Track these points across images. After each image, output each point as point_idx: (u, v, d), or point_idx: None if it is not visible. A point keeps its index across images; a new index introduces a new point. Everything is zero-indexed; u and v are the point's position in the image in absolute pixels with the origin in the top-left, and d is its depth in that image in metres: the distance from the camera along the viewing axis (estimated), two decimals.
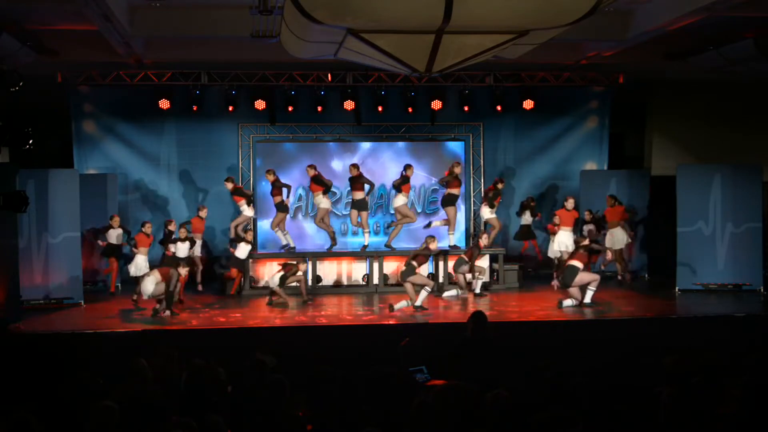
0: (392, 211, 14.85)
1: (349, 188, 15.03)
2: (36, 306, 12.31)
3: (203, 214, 14.06)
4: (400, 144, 15.64)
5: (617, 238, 14.27)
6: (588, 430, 4.78)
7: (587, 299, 11.97)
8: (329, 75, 14.94)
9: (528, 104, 15.48)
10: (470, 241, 15.28)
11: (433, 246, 12.51)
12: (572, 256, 12.15)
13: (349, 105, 15.09)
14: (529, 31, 6.45)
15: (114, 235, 13.63)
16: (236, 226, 14.07)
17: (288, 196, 14.23)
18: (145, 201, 15.56)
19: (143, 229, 12.99)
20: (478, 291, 13.13)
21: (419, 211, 15.42)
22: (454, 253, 13.85)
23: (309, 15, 5.81)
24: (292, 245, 14.24)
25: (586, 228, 14.28)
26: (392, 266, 14.07)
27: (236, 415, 5.37)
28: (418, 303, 11.78)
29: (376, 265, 13.97)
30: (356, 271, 14.13)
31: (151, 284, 11.46)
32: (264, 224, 15.00)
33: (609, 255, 14.30)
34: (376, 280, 13.95)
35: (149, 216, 15.08)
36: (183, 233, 13.24)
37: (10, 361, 9.08)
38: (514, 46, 7.05)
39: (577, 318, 11.44)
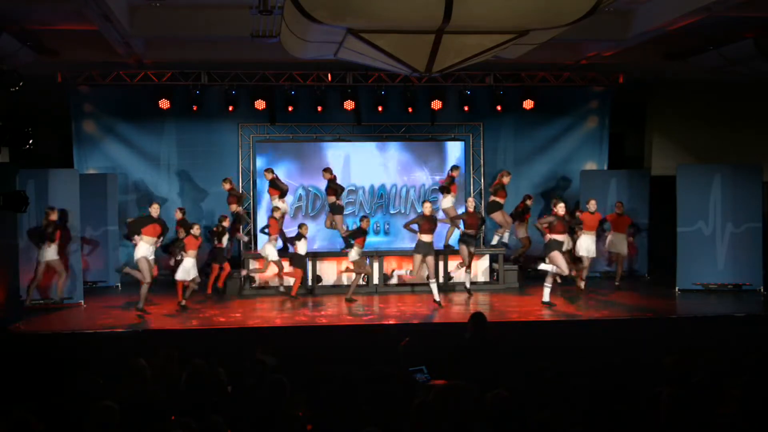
0: (393, 211, 14.91)
1: (347, 188, 15.09)
2: (36, 306, 12.31)
3: (196, 231, 12.85)
4: (401, 144, 15.65)
5: (617, 244, 14.04)
6: (588, 430, 4.78)
7: (545, 298, 12.01)
8: (329, 75, 14.94)
9: (528, 104, 15.48)
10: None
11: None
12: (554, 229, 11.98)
13: (349, 105, 15.10)
14: (529, 31, 6.45)
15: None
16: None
17: (283, 196, 14.03)
18: (145, 201, 15.54)
19: (192, 232, 12.54)
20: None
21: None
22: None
23: (309, 15, 5.82)
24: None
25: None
26: (391, 265, 14.08)
27: (236, 415, 5.37)
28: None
29: (376, 265, 13.97)
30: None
31: (192, 267, 12.04)
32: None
33: (586, 262, 13.48)
34: (376, 280, 13.95)
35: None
36: (182, 233, 13.00)
37: (10, 361, 9.07)
38: (514, 46, 7.06)
39: (577, 318, 11.44)
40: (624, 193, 15.18)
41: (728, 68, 12.84)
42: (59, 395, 5.62)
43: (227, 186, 14.12)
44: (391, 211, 15.10)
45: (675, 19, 10.58)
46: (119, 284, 14.27)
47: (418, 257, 12.33)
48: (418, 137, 15.87)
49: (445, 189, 14.07)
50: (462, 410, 4.71)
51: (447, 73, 11.74)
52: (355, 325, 11.14)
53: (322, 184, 15.25)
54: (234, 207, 13.97)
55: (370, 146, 15.56)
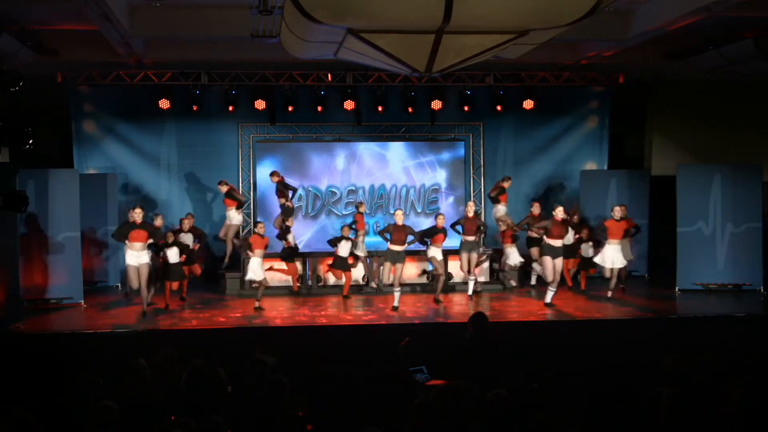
0: (392, 211, 14.93)
1: (347, 188, 15.10)
2: (36, 306, 12.31)
3: (261, 230, 12.45)
4: (401, 144, 15.64)
5: (617, 255, 12.65)
6: (588, 430, 4.78)
7: (547, 299, 12.03)
8: (329, 75, 14.93)
9: (528, 104, 15.48)
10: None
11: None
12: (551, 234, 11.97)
13: (349, 105, 15.09)
14: (529, 31, 6.45)
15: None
16: (225, 235, 13.93)
17: (292, 198, 14.01)
18: (145, 201, 15.55)
19: (257, 231, 12.34)
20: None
21: (419, 211, 15.43)
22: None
23: (309, 15, 5.81)
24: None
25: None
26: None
27: (236, 415, 5.37)
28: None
29: (375, 266, 13.96)
30: (356, 271, 14.13)
31: (258, 267, 12.10)
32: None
33: (608, 273, 12.80)
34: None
35: (146, 216, 15.12)
36: (171, 237, 12.30)
37: (10, 361, 9.07)
38: (514, 46, 7.05)
39: (577, 318, 11.44)
40: (624, 193, 15.18)
41: (728, 68, 12.84)
42: (59, 395, 5.62)
43: (224, 188, 13.96)
44: (391, 211, 15.09)
45: (675, 19, 10.57)
46: (119, 284, 14.27)
47: (464, 255, 12.64)
48: (418, 137, 15.87)
49: (494, 199, 13.90)
50: (462, 410, 4.71)
51: (447, 73, 11.74)
52: (355, 325, 11.14)
53: (322, 184, 15.30)
54: (237, 217, 13.90)
55: (370, 146, 15.56)
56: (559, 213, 11.98)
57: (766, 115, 15.76)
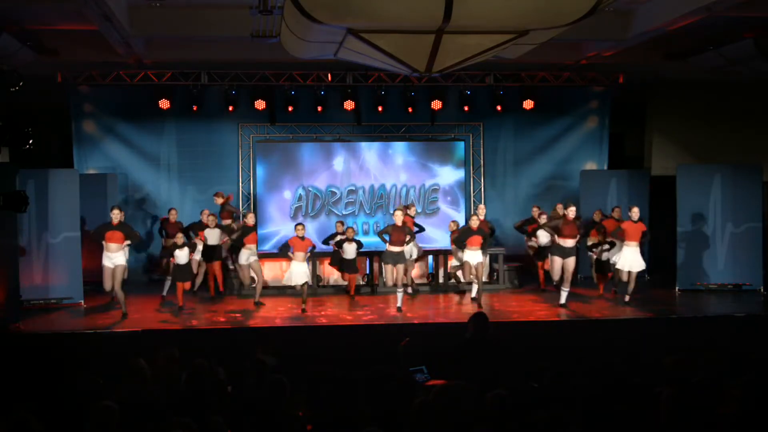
0: (392, 211, 14.85)
1: (347, 188, 15.10)
2: (36, 306, 12.31)
3: (300, 232, 12.30)
4: (401, 144, 15.64)
5: (635, 258, 12.29)
6: (588, 430, 4.78)
7: (562, 300, 11.97)
8: (329, 75, 14.94)
9: (528, 104, 15.48)
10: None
11: None
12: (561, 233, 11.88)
13: (349, 105, 15.10)
14: (529, 31, 6.45)
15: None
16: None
17: (238, 219, 13.52)
18: (145, 201, 15.56)
19: (297, 233, 12.18)
20: None
21: (419, 211, 15.42)
22: None
23: (309, 15, 5.81)
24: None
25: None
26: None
27: (236, 415, 5.37)
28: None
29: (376, 266, 13.95)
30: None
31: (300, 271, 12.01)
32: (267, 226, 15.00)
33: (625, 277, 12.46)
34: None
35: (146, 215, 15.16)
36: (180, 240, 12.23)
37: (10, 361, 9.07)
38: (514, 46, 7.05)
39: (577, 318, 11.44)
40: (624, 193, 15.18)
41: (728, 68, 12.83)
42: (59, 395, 5.62)
43: (220, 200, 13.75)
44: (391, 211, 15.07)
45: (675, 19, 10.57)
46: None
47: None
48: (418, 137, 15.87)
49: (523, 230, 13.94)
50: (462, 410, 4.71)
51: (447, 73, 11.72)
52: (355, 325, 11.14)
53: (322, 184, 15.29)
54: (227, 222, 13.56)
55: (370, 146, 15.56)
56: (571, 212, 11.90)
57: (766, 115, 15.76)
